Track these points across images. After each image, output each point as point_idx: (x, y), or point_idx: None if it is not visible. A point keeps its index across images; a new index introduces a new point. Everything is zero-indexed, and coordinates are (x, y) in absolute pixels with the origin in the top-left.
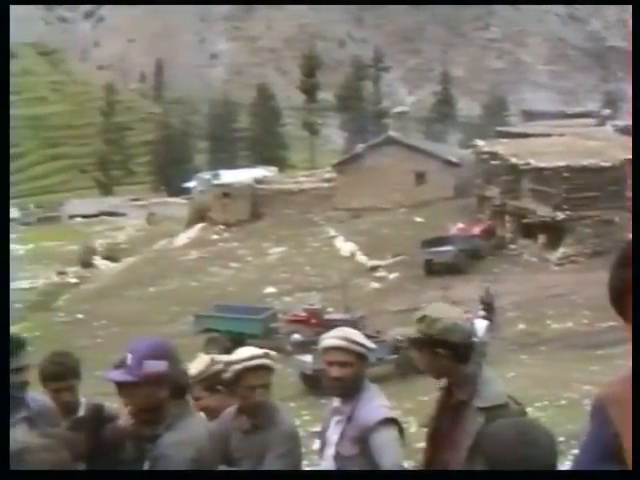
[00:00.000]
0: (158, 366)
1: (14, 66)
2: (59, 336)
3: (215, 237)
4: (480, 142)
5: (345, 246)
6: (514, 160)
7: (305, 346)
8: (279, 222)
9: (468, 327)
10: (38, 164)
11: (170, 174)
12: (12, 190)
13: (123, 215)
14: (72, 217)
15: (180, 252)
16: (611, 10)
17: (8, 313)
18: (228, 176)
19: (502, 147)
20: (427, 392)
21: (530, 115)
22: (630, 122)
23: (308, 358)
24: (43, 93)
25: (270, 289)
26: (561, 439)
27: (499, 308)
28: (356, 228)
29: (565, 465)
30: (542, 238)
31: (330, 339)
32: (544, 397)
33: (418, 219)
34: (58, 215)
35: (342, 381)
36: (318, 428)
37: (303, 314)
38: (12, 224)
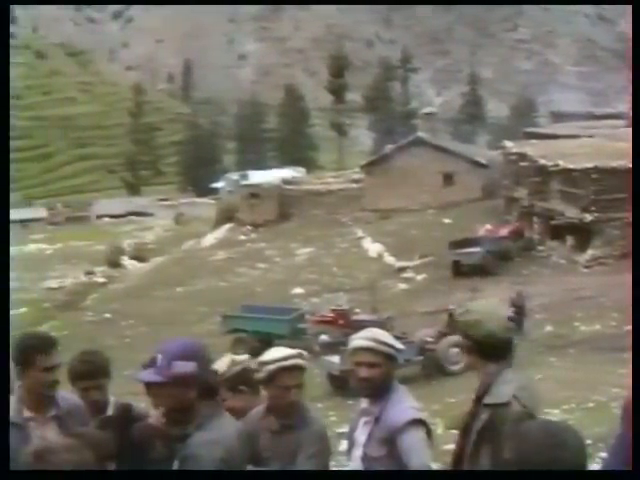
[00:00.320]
0: (187, 367)
1: (43, 67)
2: (87, 335)
3: (243, 237)
4: (508, 143)
5: (373, 247)
6: (543, 161)
7: (332, 347)
8: (307, 223)
9: (495, 326)
10: (67, 164)
11: (198, 174)
12: (41, 190)
13: (151, 215)
14: (100, 217)
15: (208, 252)
16: None
17: (8, 314)
18: (256, 177)
19: (531, 148)
20: (454, 394)
21: (559, 116)
22: None
23: (335, 359)
24: (72, 94)
25: (298, 290)
26: (589, 442)
27: (527, 310)
28: (384, 229)
29: (594, 467)
30: (570, 240)
31: (359, 340)
32: (572, 399)
33: (446, 220)
34: (86, 215)
35: (371, 382)
36: (345, 429)
37: (330, 315)
38: (41, 224)
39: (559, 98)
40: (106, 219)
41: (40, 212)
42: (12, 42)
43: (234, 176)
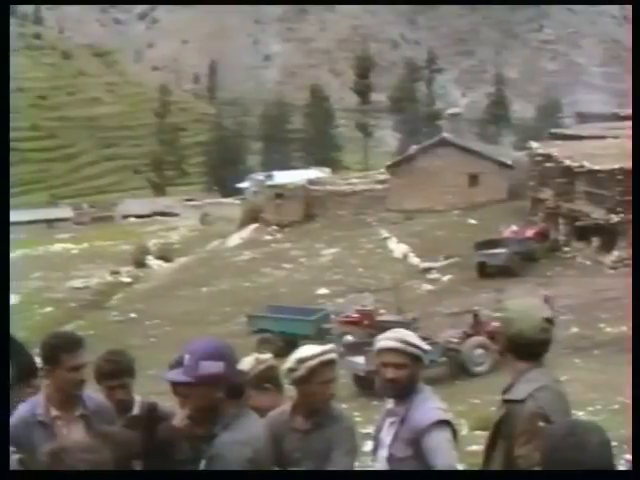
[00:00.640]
0: (214, 367)
1: (69, 67)
2: (112, 335)
3: (268, 238)
4: (534, 144)
5: (398, 248)
6: (568, 162)
7: (357, 347)
8: (332, 223)
9: (527, 326)
10: (92, 164)
11: (223, 175)
12: (67, 190)
13: (176, 215)
14: (126, 217)
15: (233, 253)
16: None
17: (8, 314)
18: (281, 177)
19: (556, 149)
20: (478, 395)
21: (584, 117)
22: None
23: (360, 359)
24: (97, 94)
25: (323, 290)
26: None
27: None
28: (409, 230)
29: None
30: (596, 241)
31: (385, 340)
32: (597, 401)
33: (471, 221)
34: (112, 215)
35: (397, 383)
36: (370, 430)
37: (355, 315)
38: (67, 224)
39: (584, 99)
40: (132, 219)
41: (66, 212)
42: (38, 43)
43: (259, 176)
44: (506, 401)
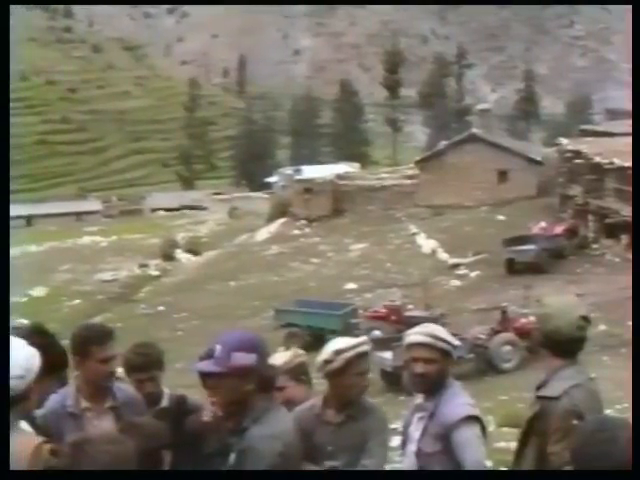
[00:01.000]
0: (246, 359)
1: (99, 61)
2: (140, 328)
3: (296, 232)
4: (564, 140)
5: (426, 243)
6: (598, 159)
7: (385, 343)
8: (361, 218)
9: (563, 323)
10: (121, 157)
11: (252, 169)
12: (95, 183)
13: (205, 209)
14: (154, 210)
15: (261, 247)
16: None
17: (8, 312)
18: (310, 171)
19: (586, 146)
20: (506, 391)
21: (614, 114)
22: None
23: (388, 355)
24: (127, 88)
25: (351, 285)
26: None
27: None
28: (438, 225)
29: None
30: (625, 238)
31: (416, 335)
32: (624, 399)
33: (500, 217)
34: (140, 208)
35: (426, 378)
36: (397, 425)
37: (383, 311)
38: (95, 216)
39: (615, 95)
40: (160, 212)
41: (95, 205)
42: (69, 36)
43: (288, 171)
44: (540, 398)
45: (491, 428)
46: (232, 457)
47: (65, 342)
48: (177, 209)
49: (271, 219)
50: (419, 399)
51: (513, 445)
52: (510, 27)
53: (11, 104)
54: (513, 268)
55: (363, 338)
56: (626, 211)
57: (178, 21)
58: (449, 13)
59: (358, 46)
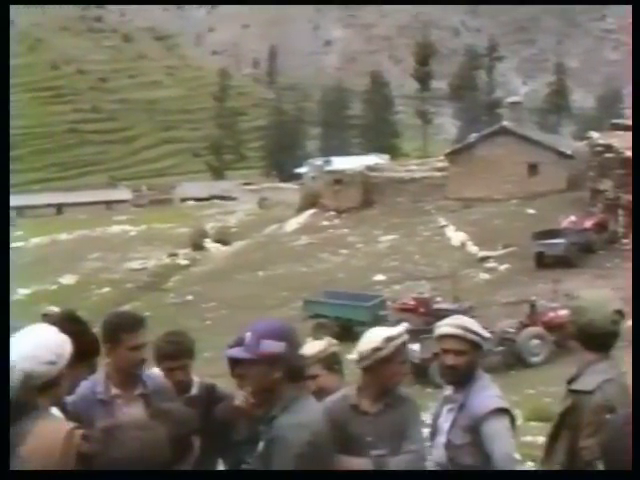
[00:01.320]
0: (275, 347)
1: (130, 50)
2: (169, 317)
3: (325, 223)
4: (594, 134)
5: (456, 236)
6: (629, 153)
7: (413, 335)
8: (390, 210)
9: (598, 317)
10: (152, 147)
11: (282, 159)
12: (125, 172)
13: (234, 199)
14: (184, 200)
15: (290, 237)
16: None
17: (8, 311)
18: (340, 163)
19: (617, 140)
20: (533, 385)
21: None
22: None
23: (416, 347)
24: (158, 77)
25: (379, 277)
26: None
27: None
28: (467, 218)
29: None
30: None
31: (446, 327)
32: None
33: (530, 211)
34: (170, 198)
35: (456, 369)
36: (424, 417)
37: (412, 303)
38: (125, 205)
39: None
40: (190, 202)
41: (125, 194)
42: (100, 26)
43: (318, 162)
44: (573, 391)
45: (518, 422)
46: (260, 445)
47: (95, 330)
48: (207, 199)
49: (300, 210)
50: (449, 391)
51: (540, 439)
52: (541, 20)
53: (42, 93)
54: (542, 262)
55: (403, 327)
56: None
57: (209, 11)
58: (480, 5)
59: (389, 38)
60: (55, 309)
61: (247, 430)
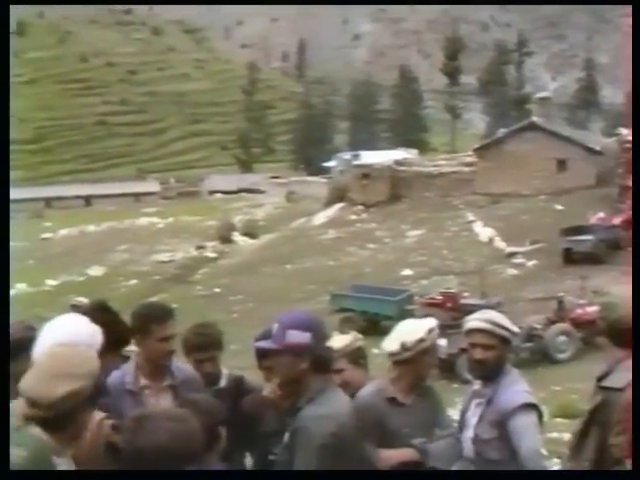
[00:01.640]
0: (301, 337)
1: (159, 43)
2: (196, 309)
3: (353, 217)
4: (624, 130)
5: (483, 231)
6: None
7: (440, 330)
8: (418, 205)
9: (628, 313)
10: (180, 140)
11: (310, 153)
12: (154, 164)
13: (262, 192)
14: (212, 193)
15: (318, 231)
16: None
17: (8, 309)
18: (368, 157)
19: None
20: (560, 382)
21: None
22: None
23: (443, 342)
24: (186, 70)
25: (407, 271)
26: None
27: None
28: (495, 213)
29: None
30: None
31: (475, 321)
32: None
33: (558, 207)
34: (198, 190)
35: (485, 364)
36: (450, 413)
37: (439, 298)
38: (153, 198)
39: None
40: (218, 195)
41: (153, 186)
42: (129, 18)
43: (346, 156)
44: (603, 388)
45: (544, 418)
46: (286, 436)
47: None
48: (235, 192)
49: (328, 204)
50: (477, 385)
51: (566, 436)
52: (571, 15)
53: (71, 85)
54: (570, 258)
55: (433, 320)
56: None
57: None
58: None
59: (418, 32)
60: (84, 300)
61: (274, 422)
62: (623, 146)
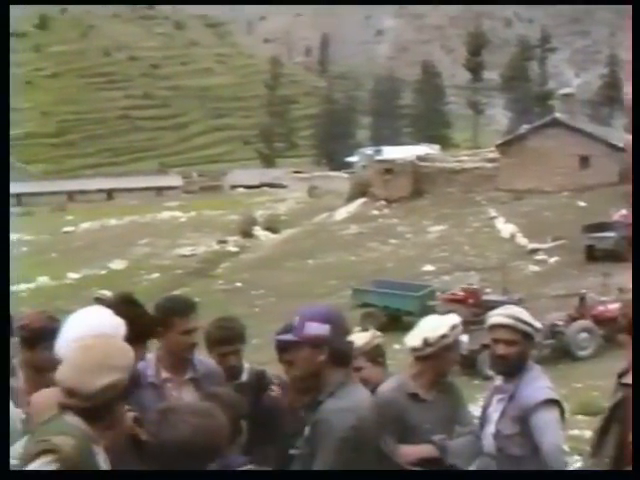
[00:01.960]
0: (320, 329)
1: (182, 38)
2: (218, 303)
3: (375, 213)
4: None
5: (506, 227)
6: None
7: (462, 326)
8: (440, 200)
9: None
10: (203, 134)
11: (332, 148)
12: (176, 158)
13: (284, 187)
14: (234, 187)
15: (340, 226)
16: None
17: (8, 308)
18: (390, 152)
19: None
20: (581, 379)
21: None
22: None
23: (464, 338)
24: (209, 65)
25: (428, 267)
26: None
27: None
28: (517, 210)
29: None
30: None
31: (498, 317)
32: None
33: (581, 203)
34: (220, 185)
35: (507, 359)
36: (471, 409)
37: (461, 294)
38: (175, 192)
39: None
40: (240, 189)
41: (176, 180)
42: (152, 13)
43: (368, 151)
44: (624, 385)
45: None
46: (306, 430)
47: None
48: (257, 186)
49: (350, 199)
50: (499, 381)
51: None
52: (595, 11)
53: (94, 79)
54: (593, 255)
55: (455, 316)
56: None
57: None
58: None
59: (441, 27)
60: (107, 293)
61: (296, 416)
62: None
